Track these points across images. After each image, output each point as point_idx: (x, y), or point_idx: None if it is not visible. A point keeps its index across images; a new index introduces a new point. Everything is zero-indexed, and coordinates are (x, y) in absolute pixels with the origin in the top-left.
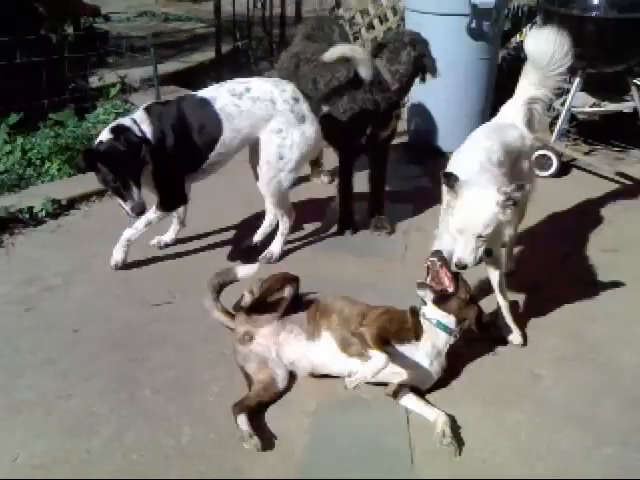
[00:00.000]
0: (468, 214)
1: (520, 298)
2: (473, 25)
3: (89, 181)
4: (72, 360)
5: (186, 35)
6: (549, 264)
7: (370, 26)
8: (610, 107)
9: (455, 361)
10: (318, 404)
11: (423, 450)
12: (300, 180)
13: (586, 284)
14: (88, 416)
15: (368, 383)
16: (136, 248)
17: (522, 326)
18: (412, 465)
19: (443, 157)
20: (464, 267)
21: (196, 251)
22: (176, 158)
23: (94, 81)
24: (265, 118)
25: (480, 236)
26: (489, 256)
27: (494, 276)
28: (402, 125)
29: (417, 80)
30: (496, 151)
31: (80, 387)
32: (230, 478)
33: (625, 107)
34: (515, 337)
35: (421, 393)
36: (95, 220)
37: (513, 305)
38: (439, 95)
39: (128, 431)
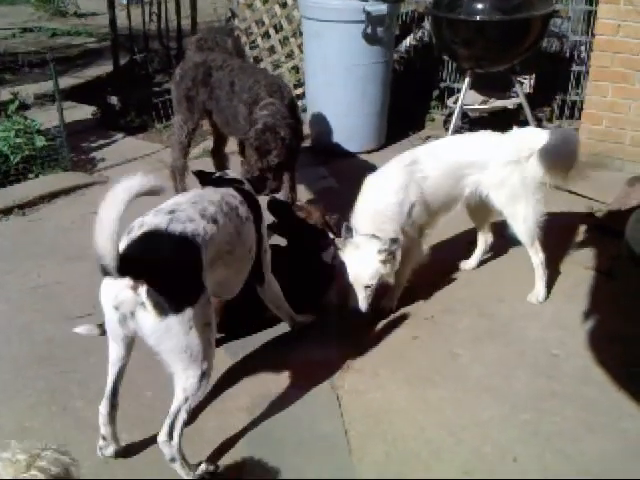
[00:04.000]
0: (355, 269)
1: (434, 283)
2: (368, 31)
3: None
4: None
5: (77, 50)
6: (457, 251)
7: (266, 35)
8: (497, 104)
9: (379, 347)
10: (252, 399)
11: (357, 434)
12: None
13: (491, 268)
14: (20, 432)
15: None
16: (54, 263)
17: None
18: (349, 448)
19: (346, 157)
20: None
21: None
22: None
23: None
24: None
25: (368, 286)
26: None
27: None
28: (305, 129)
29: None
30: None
31: (7, 403)
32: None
33: (510, 103)
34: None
35: None
36: (2, 239)
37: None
38: (339, 97)
39: (64, 442)
